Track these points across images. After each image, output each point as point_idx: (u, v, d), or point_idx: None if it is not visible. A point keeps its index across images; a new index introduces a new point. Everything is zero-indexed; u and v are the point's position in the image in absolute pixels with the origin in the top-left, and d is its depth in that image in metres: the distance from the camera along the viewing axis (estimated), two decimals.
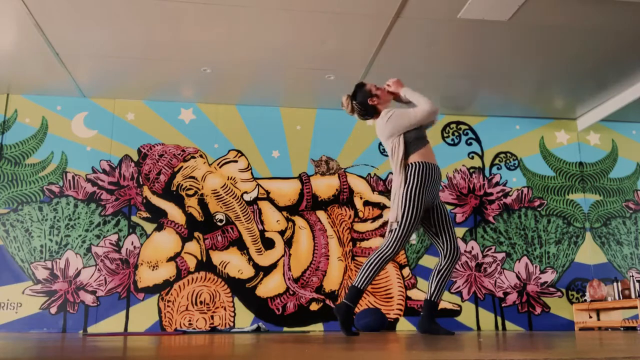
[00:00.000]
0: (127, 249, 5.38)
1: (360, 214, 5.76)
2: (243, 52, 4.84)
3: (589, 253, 5.97)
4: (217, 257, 5.44)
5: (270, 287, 5.42)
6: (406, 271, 5.66)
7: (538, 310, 5.74)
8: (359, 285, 3.18)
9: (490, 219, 5.92)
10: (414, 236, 3.37)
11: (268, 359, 1.49)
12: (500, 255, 5.83)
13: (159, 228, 5.47)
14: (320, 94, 5.69)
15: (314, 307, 5.45)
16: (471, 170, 6.06)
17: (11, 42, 4.67)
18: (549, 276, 5.84)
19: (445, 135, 6.13)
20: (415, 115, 3.33)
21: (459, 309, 5.63)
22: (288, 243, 5.58)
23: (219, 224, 5.53)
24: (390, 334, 3.87)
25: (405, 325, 5.51)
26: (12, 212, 5.37)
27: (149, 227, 5.46)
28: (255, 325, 5.16)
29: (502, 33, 4.56)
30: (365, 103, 3.44)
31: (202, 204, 5.54)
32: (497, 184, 6.04)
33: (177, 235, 5.47)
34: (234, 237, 5.50)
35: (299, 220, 5.66)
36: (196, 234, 5.47)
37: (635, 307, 5.15)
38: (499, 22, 4.39)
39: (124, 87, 5.51)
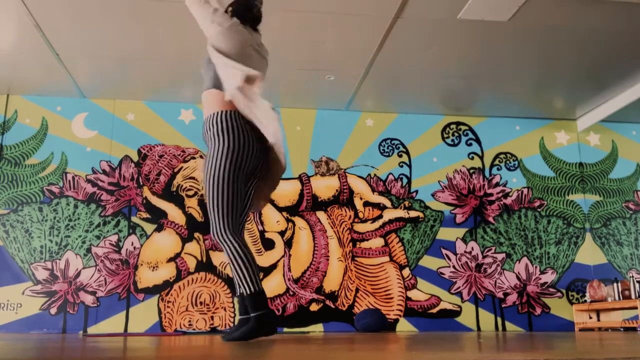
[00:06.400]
0: (127, 249, 5.38)
1: (360, 215, 5.75)
2: None
3: (589, 254, 5.97)
4: (217, 258, 5.43)
5: (270, 287, 5.41)
6: (406, 272, 5.66)
7: (538, 310, 5.73)
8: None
9: (490, 219, 5.91)
10: None
11: (268, 359, 1.49)
12: (500, 256, 5.83)
13: (159, 229, 5.47)
14: (320, 94, 5.68)
15: (314, 307, 5.44)
16: (471, 171, 6.05)
17: (11, 42, 4.67)
18: (549, 277, 5.84)
19: (445, 135, 6.13)
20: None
21: (459, 309, 5.63)
22: (288, 244, 5.57)
23: None
24: (390, 335, 3.87)
25: (405, 326, 5.50)
26: (12, 213, 5.36)
27: (149, 227, 5.46)
28: None
29: (502, 33, 4.56)
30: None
31: (202, 204, 5.53)
32: (497, 184, 6.04)
33: (177, 236, 5.47)
34: None
35: (299, 221, 5.66)
36: (196, 234, 5.47)
37: (636, 308, 5.14)
38: (499, 23, 4.39)
39: (124, 87, 5.51)
